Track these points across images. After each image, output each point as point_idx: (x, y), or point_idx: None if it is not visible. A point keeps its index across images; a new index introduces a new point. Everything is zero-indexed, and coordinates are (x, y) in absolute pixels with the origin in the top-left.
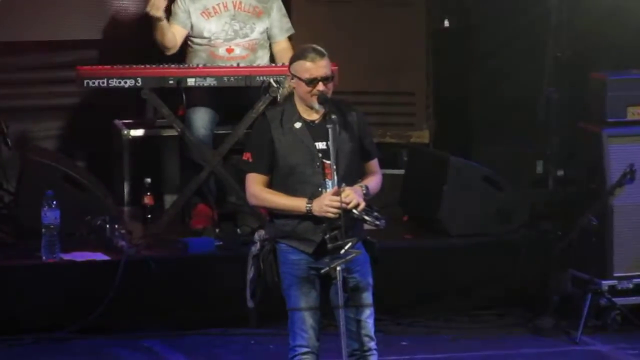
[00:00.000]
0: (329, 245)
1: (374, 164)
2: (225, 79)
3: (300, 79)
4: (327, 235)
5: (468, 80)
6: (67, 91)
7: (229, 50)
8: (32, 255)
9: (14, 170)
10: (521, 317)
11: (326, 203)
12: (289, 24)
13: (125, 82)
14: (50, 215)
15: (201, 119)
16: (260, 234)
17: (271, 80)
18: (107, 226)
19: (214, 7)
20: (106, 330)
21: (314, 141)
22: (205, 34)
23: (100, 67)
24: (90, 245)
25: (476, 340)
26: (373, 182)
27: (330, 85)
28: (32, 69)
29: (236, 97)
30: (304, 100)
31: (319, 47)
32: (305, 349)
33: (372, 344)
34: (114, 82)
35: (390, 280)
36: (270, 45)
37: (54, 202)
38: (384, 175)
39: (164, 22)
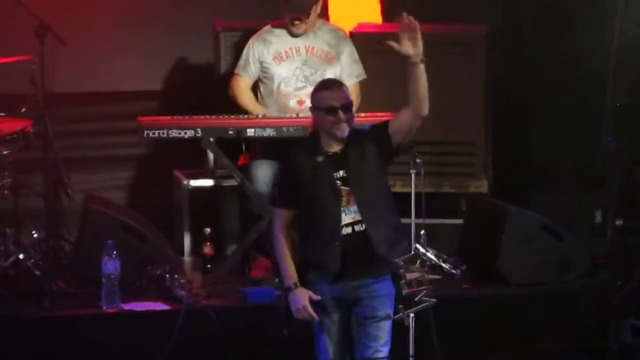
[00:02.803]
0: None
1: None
2: (285, 129)
3: (319, 108)
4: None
5: (526, 129)
6: (127, 142)
7: (300, 102)
8: (92, 305)
9: (75, 220)
10: None
11: (302, 306)
12: (360, 70)
13: (185, 133)
14: (111, 265)
15: (263, 174)
16: None
17: None
18: (167, 276)
19: (286, 52)
20: None
21: (333, 172)
22: (276, 79)
23: (160, 117)
24: (150, 294)
25: None
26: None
27: (350, 114)
28: (93, 120)
29: None
30: (327, 130)
31: (336, 79)
32: None
33: None
34: (174, 133)
35: (448, 330)
36: None
37: (115, 252)
38: (443, 225)
39: None
